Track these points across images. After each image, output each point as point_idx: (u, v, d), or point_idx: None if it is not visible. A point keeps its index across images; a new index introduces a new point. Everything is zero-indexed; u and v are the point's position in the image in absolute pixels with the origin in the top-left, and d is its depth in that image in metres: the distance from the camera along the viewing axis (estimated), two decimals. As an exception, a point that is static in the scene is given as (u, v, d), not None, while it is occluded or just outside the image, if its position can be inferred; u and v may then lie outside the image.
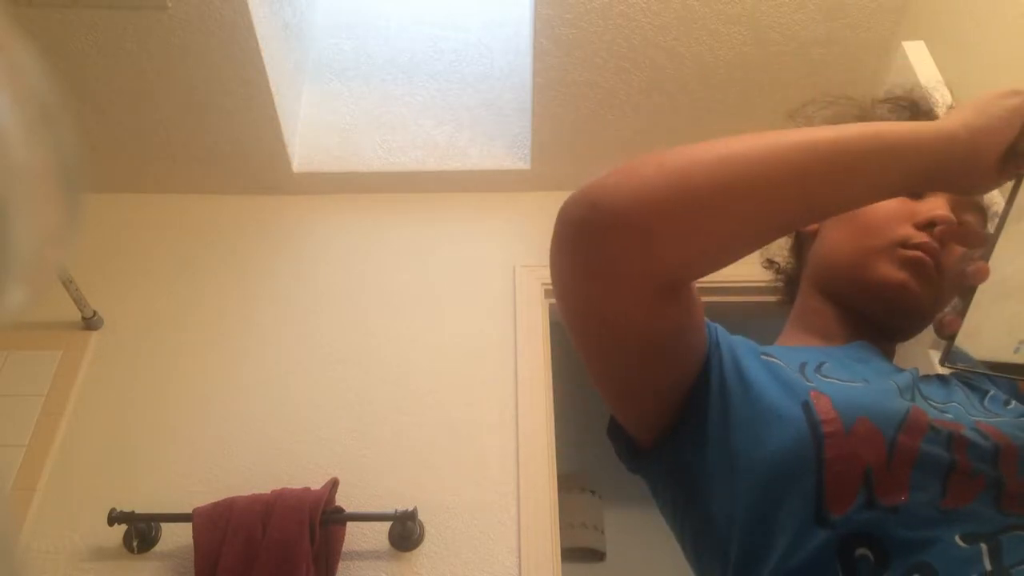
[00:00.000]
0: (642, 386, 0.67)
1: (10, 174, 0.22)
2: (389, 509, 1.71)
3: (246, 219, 2.24)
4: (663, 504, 0.73)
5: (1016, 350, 0.56)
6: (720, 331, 0.71)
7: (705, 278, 0.60)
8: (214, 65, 1.95)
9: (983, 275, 0.57)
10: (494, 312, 2.08)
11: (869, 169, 0.57)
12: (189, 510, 1.66)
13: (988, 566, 0.52)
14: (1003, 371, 0.59)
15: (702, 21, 1.91)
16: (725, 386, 0.66)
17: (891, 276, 0.75)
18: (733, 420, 0.64)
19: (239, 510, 1.63)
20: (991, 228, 0.60)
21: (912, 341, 0.83)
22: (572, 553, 2.66)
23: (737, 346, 0.70)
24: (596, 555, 2.84)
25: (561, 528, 1.82)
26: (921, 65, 1.45)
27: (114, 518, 1.65)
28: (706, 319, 0.69)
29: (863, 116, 0.87)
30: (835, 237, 0.81)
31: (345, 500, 1.74)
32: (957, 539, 0.54)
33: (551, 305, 2.08)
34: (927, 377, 0.74)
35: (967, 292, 0.58)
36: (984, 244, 0.59)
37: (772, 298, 0.97)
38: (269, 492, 1.69)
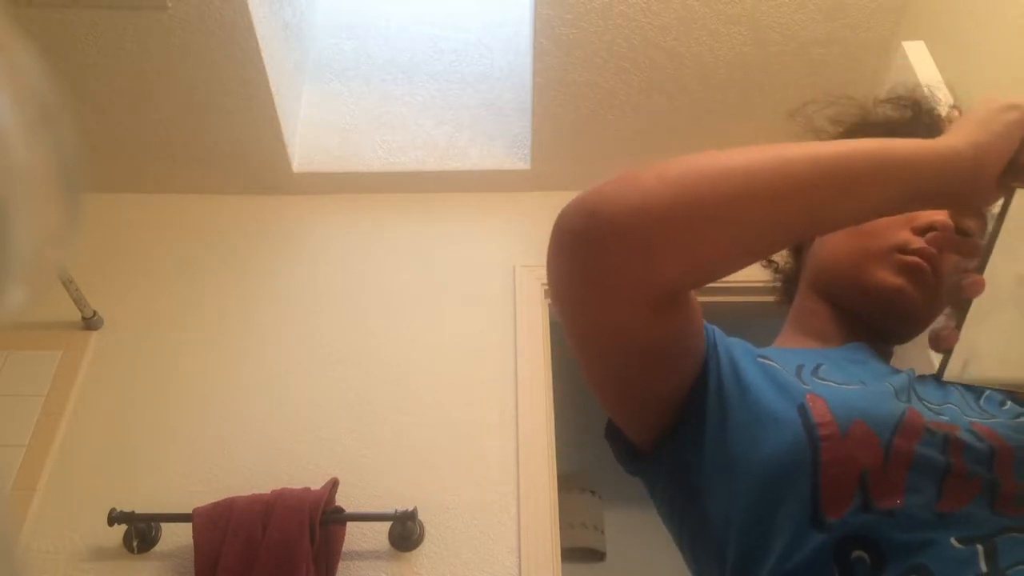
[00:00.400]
0: (641, 391, 0.67)
1: (10, 174, 0.22)
2: (389, 509, 1.71)
3: (246, 219, 2.24)
4: (661, 505, 0.73)
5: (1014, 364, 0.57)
6: (717, 333, 0.71)
7: (705, 278, 0.60)
8: (214, 65, 1.95)
9: (979, 288, 0.57)
10: (494, 312, 2.08)
11: (874, 185, 0.57)
12: (189, 510, 1.66)
13: (984, 568, 0.52)
14: (1001, 385, 0.59)
15: (702, 21, 1.91)
16: (722, 389, 0.66)
17: (889, 281, 0.75)
18: (730, 423, 0.64)
19: (239, 510, 1.63)
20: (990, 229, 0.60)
21: (911, 342, 0.83)
22: (572, 553, 2.66)
23: (734, 348, 0.70)
24: (596, 555, 2.84)
25: (561, 528, 1.82)
26: (921, 65, 1.45)
27: (114, 518, 1.65)
28: (704, 321, 0.69)
29: (864, 116, 0.87)
30: (834, 240, 0.81)
31: (345, 500, 1.74)
32: (953, 541, 0.54)
33: (551, 305, 2.08)
34: (923, 378, 0.74)
35: (963, 305, 0.58)
36: (978, 255, 0.59)
37: (771, 298, 0.97)
38: (269, 492, 1.69)
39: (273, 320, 2.06)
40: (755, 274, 0.95)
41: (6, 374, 1.93)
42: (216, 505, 1.66)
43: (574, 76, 2.02)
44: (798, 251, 0.91)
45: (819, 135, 0.86)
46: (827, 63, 1.99)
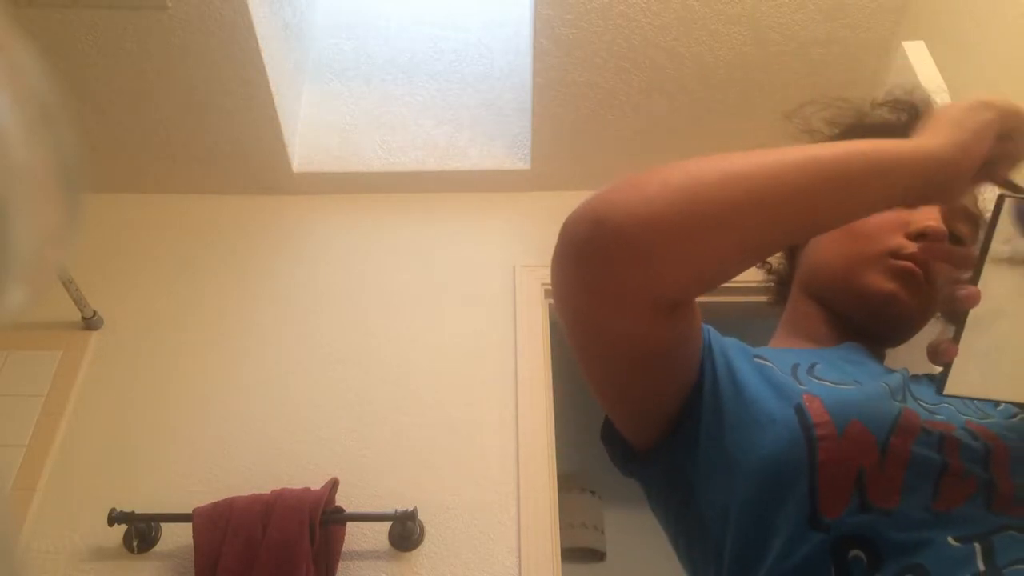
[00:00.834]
0: (642, 394, 0.68)
1: (10, 174, 0.22)
2: (389, 509, 1.71)
3: (246, 219, 2.24)
4: (657, 506, 0.74)
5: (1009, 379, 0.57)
6: (712, 333, 0.71)
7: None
8: (214, 65, 1.95)
9: (975, 299, 0.57)
10: (494, 312, 2.08)
11: (871, 185, 0.58)
12: (189, 510, 1.66)
13: (981, 567, 0.52)
14: (1000, 399, 0.59)
15: (702, 21, 1.91)
16: (718, 389, 0.66)
17: (881, 286, 0.75)
18: (726, 423, 0.64)
19: (239, 510, 1.63)
20: (983, 232, 0.60)
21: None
22: (572, 553, 2.66)
23: (729, 349, 0.70)
24: (596, 555, 2.84)
25: (561, 528, 1.82)
26: (921, 65, 1.45)
27: (114, 518, 1.65)
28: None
29: (860, 118, 0.87)
30: (827, 243, 0.81)
31: (345, 500, 1.74)
32: (950, 540, 0.54)
33: (551, 305, 2.08)
34: (917, 377, 0.74)
35: (959, 317, 0.58)
36: (971, 266, 0.59)
37: (765, 299, 0.97)
38: (269, 492, 1.69)
39: (273, 320, 2.06)
40: (753, 274, 0.95)
41: (6, 374, 1.93)
42: (216, 505, 1.66)
43: (574, 76, 2.02)
44: (791, 253, 0.91)
45: (815, 137, 0.86)
46: (827, 63, 1.99)
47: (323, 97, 2.34)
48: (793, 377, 0.66)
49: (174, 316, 2.07)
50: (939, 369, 0.59)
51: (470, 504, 1.79)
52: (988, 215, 0.60)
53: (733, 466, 0.63)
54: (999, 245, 0.58)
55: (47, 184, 0.24)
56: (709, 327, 0.71)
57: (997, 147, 0.60)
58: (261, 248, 2.20)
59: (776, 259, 0.94)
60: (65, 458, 1.83)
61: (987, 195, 0.68)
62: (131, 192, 2.24)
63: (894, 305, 0.75)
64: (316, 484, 1.71)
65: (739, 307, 1.85)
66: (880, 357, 0.80)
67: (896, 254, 0.75)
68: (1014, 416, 0.68)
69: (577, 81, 2.03)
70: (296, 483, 1.72)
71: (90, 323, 2.01)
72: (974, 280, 0.57)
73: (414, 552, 1.73)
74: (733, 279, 0.59)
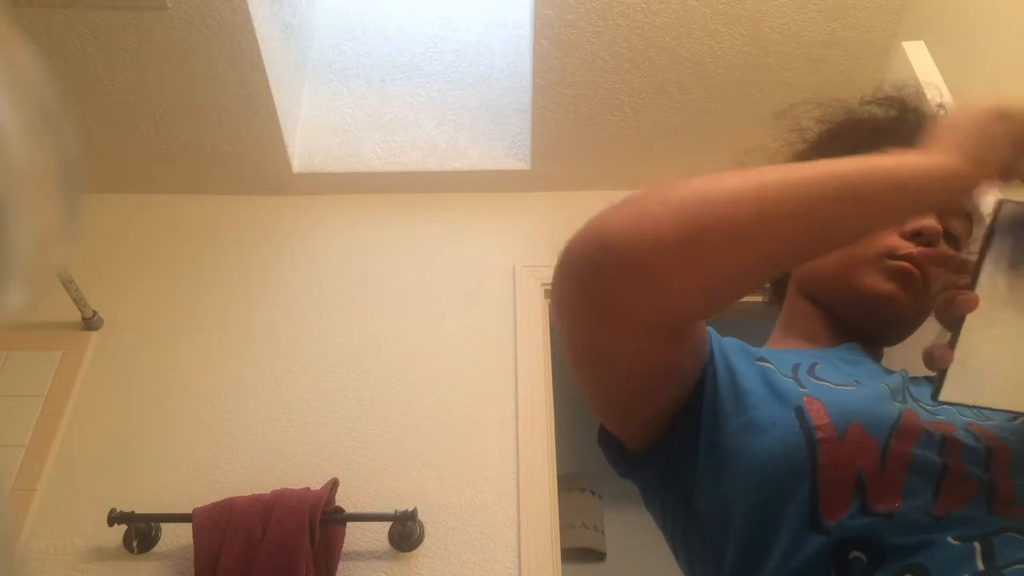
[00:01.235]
0: (642, 408, 0.67)
1: (10, 174, 0.22)
2: (389, 509, 1.71)
3: (246, 219, 2.24)
4: (654, 508, 0.73)
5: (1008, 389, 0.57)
6: (713, 335, 0.71)
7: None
8: (214, 65, 1.95)
9: (972, 305, 0.56)
10: (494, 312, 2.08)
11: (882, 205, 0.57)
12: (189, 510, 1.66)
13: (981, 566, 0.52)
14: (994, 407, 0.59)
15: (702, 21, 1.91)
16: (718, 392, 0.66)
17: (878, 287, 0.75)
18: (727, 426, 0.64)
19: (239, 510, 1.63)
20: (982, 236, 0.60)
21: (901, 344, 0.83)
22: (572, 553, 2.66)
23: (729, 350, 0.70)
24: (596, 555, 2.84)
25: (561, 528, 1.82)
26: (921, 65, 1.45)
27: (114, 518, 1.65)
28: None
29: (851, 118, 0.87)
30: None
31: (345, 500, 1.74)
32: (950, 540, 0.54)
33: (550, 313, 2.07)
34: (916, 378, 0.74)
35: (956, 322, 0.57)
36: (966, 270, 0.59)
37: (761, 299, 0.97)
38: (269, 492, 1.69)
39: (273, 320, 2.06)
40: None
41: (6, 374, 1.93)
42: (216, 505, 1.66)
43: (574, 77, 2.02)
44: None
45: (805, 135, 0.86)
46: (827, 63, 1.98)
47: (323, 97, 2.34)
48: (794, 378, 0.66)
49: (174, 316, 2.06)
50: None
51: (470, 504, 1.79)
52: (987, 219, 0.59)
53: (734, 469, 0.62)
54: (997, 250, 0.57)
55: (47, 184, 0.24)
56: (709, 328, 0.71)
57: (1012, 153, 0.58)
58: (261, 248, 2.20)
59: None
60: (65, 458, 1.83)
61: (986, 199, 0.68)
62: (131, 192, 2.24)
63: (892, 305, 0.74)
64: (316, 484, 1.71)
65: (736, 307, 1.85)
66: (877, 357, 0.80)
67: (892, 254, 0.75)
68: (1014, 419, 0.67)
69: (577, 81, 2.03)
70: (296, 483, 1.72)
71: (90, 323, 2.01)
72: (972, 285, 0.57)
73: (414, 552, 1.73)
74: None
